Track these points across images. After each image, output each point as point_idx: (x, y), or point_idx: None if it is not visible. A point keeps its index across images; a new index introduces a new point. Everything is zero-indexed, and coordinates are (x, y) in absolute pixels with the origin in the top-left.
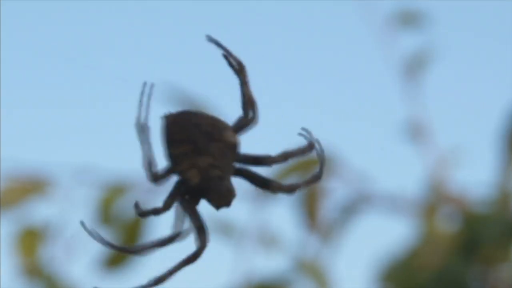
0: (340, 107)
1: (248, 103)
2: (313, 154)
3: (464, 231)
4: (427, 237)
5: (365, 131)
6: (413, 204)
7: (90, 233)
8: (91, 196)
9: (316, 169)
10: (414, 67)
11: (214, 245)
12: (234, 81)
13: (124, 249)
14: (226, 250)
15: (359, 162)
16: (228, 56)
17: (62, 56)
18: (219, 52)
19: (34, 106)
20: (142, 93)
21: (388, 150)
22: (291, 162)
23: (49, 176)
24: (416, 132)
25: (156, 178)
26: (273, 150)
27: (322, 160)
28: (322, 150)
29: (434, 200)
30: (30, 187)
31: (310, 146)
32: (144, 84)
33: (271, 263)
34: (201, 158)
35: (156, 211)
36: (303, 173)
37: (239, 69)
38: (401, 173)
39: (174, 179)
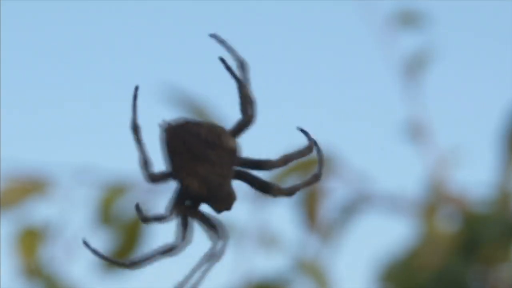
0: (340, 107)
1: (247, 102)
2: (313, 154)
3: (464, 231)
4: (427, 237)
5: (365, 131)
6: (413, 204)
7: (94, 252)
8: (91, 196)
9: (315, 169)
10: (414, 67)
11: None
12: (234, 81)
13: (122, 264)
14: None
15: (359, 162)
16: (231, 53)
17: (62, 56)
18: (219, 52)
19: (34, 106)
20: (134, 97)
21: (388, 150)
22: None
23: (49, 176)
24: (416, 132)
25: (153, 178)
26: (273, 150)
27: (321, 160)
28: (321, 150)
29: (434, 200)
30: (30, 187)
31: (309, 148)
32: (136, 88)
33: (271, 263)
34: (201, 166)
35: (159, 219)
36: (303, 173)
37: (241, 67)
38: (401, 173)
39: (173, 184)
